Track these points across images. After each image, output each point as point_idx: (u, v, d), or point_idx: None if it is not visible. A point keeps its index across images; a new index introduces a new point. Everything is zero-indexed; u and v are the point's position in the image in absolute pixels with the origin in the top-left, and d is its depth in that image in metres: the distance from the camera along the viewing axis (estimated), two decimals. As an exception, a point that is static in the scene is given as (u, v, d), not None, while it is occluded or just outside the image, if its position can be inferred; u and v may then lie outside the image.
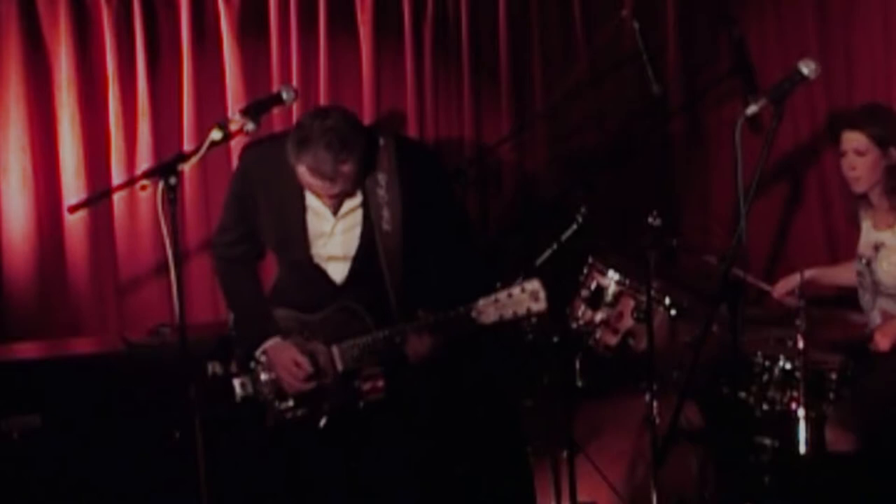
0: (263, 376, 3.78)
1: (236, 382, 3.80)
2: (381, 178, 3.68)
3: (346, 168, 3.54)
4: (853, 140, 4.12)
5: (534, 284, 3.62)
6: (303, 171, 3.54)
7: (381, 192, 3.67)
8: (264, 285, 3.93)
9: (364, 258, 3.72)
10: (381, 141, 3.71)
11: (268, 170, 3.69)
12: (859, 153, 4.11)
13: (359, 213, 3.71)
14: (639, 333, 4.19)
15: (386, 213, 3.68)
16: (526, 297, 3.62)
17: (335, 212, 3.70)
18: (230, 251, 3.87)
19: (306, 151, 3.50)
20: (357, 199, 3.70)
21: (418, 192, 3.70)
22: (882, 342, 4.00)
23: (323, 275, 3.76)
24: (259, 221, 3.78)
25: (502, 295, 3.63)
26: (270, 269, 4.00)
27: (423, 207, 3.70)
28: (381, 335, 3.69)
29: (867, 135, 4.09)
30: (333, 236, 3.73)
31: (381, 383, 3.74)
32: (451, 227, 3.79)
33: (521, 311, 3.63)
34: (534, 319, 3.79)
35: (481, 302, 3.63)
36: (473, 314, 3.63)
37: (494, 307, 3.63)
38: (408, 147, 3.84)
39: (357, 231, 3.72)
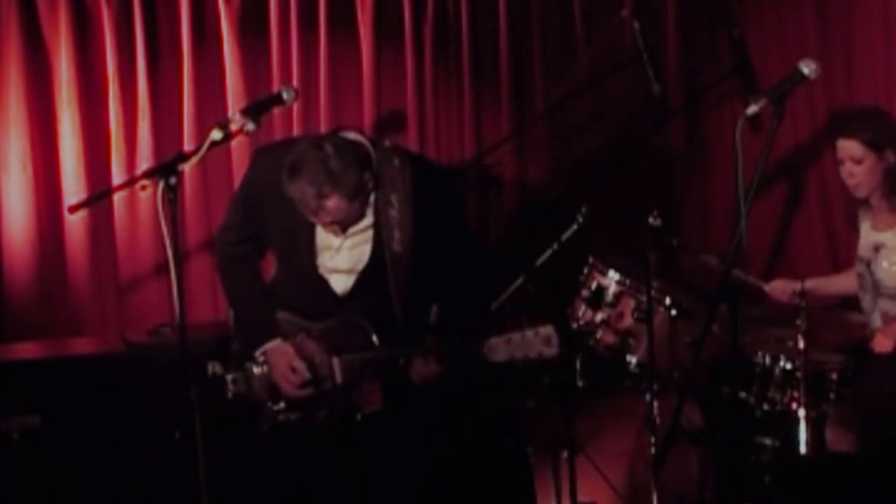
0: (256, 370, 3.76)
1: (228, 378, 3.78)
2: (395, 199, 3.65)
3: (331, 203, 3.51)
4: (848, 148, 4.11)
5: (547, 329, 3.62)
6: (294, 199, 3.54)
7: (394, 213, 3.65)
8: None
9: (370, 274, 3.71)
10: (396, 161, 3.68)
11: (278, 177, 3.61)
12: (856, 161, 4.10)
13: (369, 233, 3.69)
14: (639, 333, 4.19)
15: (397, 234, 3.66)
16: (538, 341, 3.62)
17: (344, 229, 3.69)
18: (233, 250, 3.85)
19: (294, 182, 3.50)
20: (369, 220, 3.68)
21: (431, 214, 3.68)
22: (884, 344, 4.00)
23: (325, 285, 3.75)
24: (265, 226, 3.76)
25: (515, 336, 3.64)
26: (269, 268, 3.99)
27: (435, 229, 3.69)
28: (385, 355, 3.68)
29: (861, 141, 4.08)
30: (341, 251, 3.71)
31: (378, 397, 3.72)
32: (458, 249, 3.78)
33: (533, 353, 3.63)
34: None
35: (493, 340, 3.64)
36: (484, 350, 3.64)
37: (506, 347, 3.64)
38: (424, 169, 3.79)
39: (366, 248, 3.70)
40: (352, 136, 3.67)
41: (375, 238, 3.69)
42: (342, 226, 3.64)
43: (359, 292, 3.73)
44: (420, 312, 3.73)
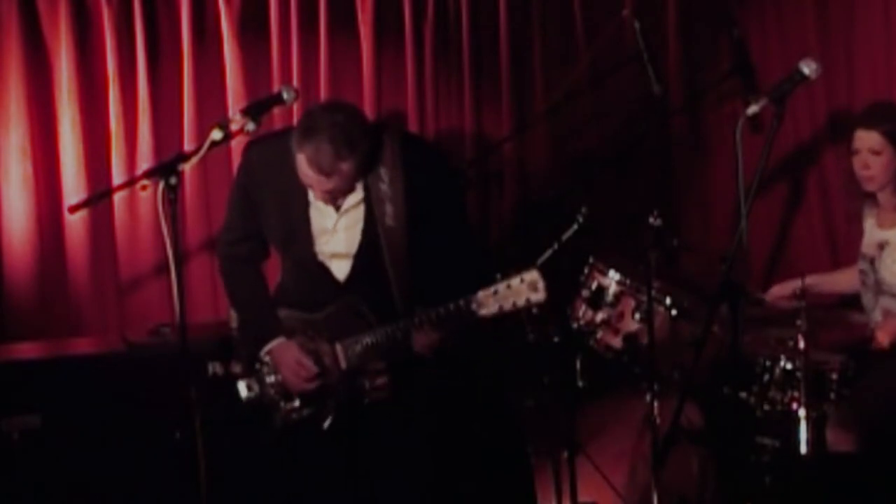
0: (269, 378, 3.78)
1: (242, 384, 3.80)
2: (384, 173, 3.66)
3: (345, 166, 3.52)
4: (868, 139, 4.11)
5: (532, 275, 3.60)
6: (302, 160, 3.52)
7: (384, 188, 3.66)
8: (269, 285, 3.93)
9: (367, 255, 3.71)
10: (385, 136, 3.70)
11: (271, 166, 3.67)
12: (874, 152, 4.10)
13: (361, 209, 3.70)
14: (640, 333, 4.19)
15: (389, 209, 3.66)
16: (525, 287, 3.60)
17: (337, 208, 3.69)
18: (235, 250, 3.85)
19: (309, 141, 3.48)
20: (359, 195, 3.69)
21: (422, 187, 3.68)
22: (883, 339, 4.00)
23: (326, 272, 3.75)
24: (263, 217, 3.77)
25: (501, 286, 3.61)
26: (274, 270, 3.99)
27: (427, 203, 3.69)
28: (383, 332, 3.69)
29: (881, 133, 4.09)
30: (336, 233, 3.72)
31: (384, 379, 3.73)
32: (453, 225, 3.78)
33: (521, 301, 3.61)
34: (534, 310, 3.77)
35: (481, 294, 3.62)
36: (473, 306, 3.62)
37: (494, 298, 3.62)
38: (411, 142, 3.83)
39: (359, 227, 3.71)
40: None
41: (367, 214, 3.69)
42: (334, 195, 3.63)
43: (358, 277, 3.73)
44: (418, 292, 3.72)
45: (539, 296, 3.60)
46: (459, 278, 3.72)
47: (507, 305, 3.61)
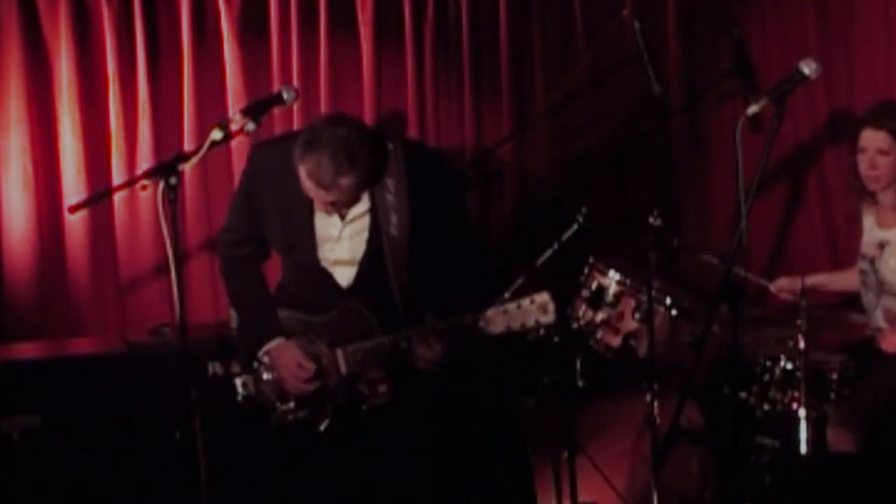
0: (266, 376, 3.78)
1: (238, 382, 3.80)
2: (390, 183, 3.65)
3: (345, 181, 3.52)
4: (876, 139, 4.10)
5: (543, 297, 3.60)
6: (303, 172, 3.52)
7: (390, 197, 3.65)
8: (269, 285, 3.93)
9: (371, 263, 3.70)
10: (390, 146, 3.69)
11: (277, 171, 3.66)
12: (882, 152, 4.10)
13: (366, 219, 3.69)
14: (640, 333, 4.19)
15: (394, 218, 3.66)
16: (535, 308, 3.61)
17: (342, 216, 3.69)
18: (236, 250, 3.85)
19: (311, 155, 3.48)
20: (365, 205, 3.68)
21: (426, 196, 3.68)
22: (889, 348, 4.00)
23: (329, 278, 3.75)
24: (266, 222, 3.76)
25: (511, 306, 3.61)
26: (275, 270, 3.99)
27: (431, 212, 3.68)
28: (386, 339, 3.68)
29: (890, 133, 4.08)
30: (341, 241, 3.71)
31: (385, 387, 3.72)
32: (457, 232, 3.78)
33: (530, 322, 3.62)
34: (542, 331, 3.77)
35: (490, 311, 3.62)
36: (481, 323, 3.62)
37: (503, 317, 3.62)
38: (416, 151, 3.81)
39: (364, 236, 3.70)
40: None
41: (372, 224, 3.69)
42: (337, 208, 3.64)
43: (361, 284, 3.73)
44: (421, 301, 3.72)
45: (549, 318, 3.60)
46: (462, 282, 3.72)
47: (516, 325, 3.62)
